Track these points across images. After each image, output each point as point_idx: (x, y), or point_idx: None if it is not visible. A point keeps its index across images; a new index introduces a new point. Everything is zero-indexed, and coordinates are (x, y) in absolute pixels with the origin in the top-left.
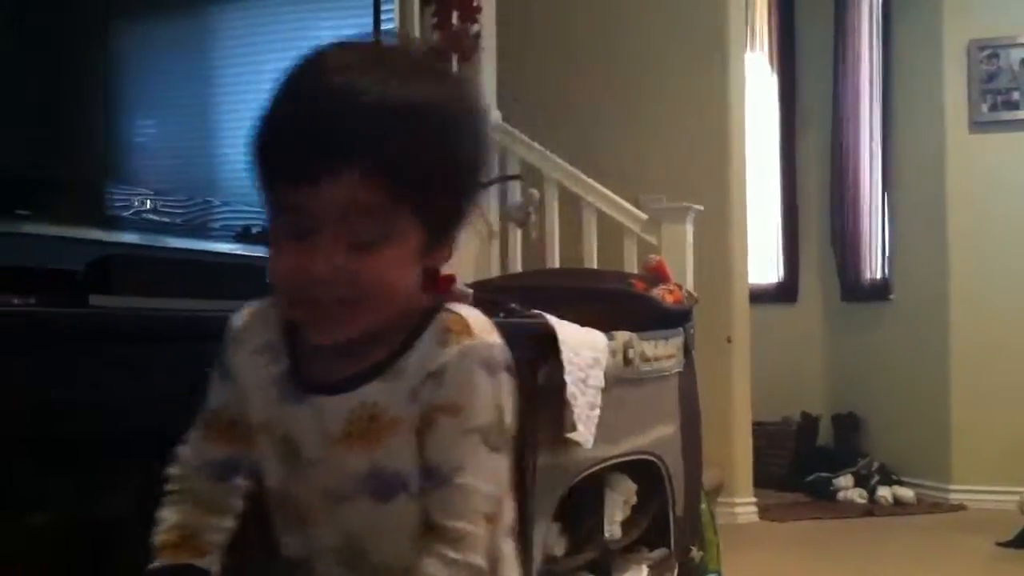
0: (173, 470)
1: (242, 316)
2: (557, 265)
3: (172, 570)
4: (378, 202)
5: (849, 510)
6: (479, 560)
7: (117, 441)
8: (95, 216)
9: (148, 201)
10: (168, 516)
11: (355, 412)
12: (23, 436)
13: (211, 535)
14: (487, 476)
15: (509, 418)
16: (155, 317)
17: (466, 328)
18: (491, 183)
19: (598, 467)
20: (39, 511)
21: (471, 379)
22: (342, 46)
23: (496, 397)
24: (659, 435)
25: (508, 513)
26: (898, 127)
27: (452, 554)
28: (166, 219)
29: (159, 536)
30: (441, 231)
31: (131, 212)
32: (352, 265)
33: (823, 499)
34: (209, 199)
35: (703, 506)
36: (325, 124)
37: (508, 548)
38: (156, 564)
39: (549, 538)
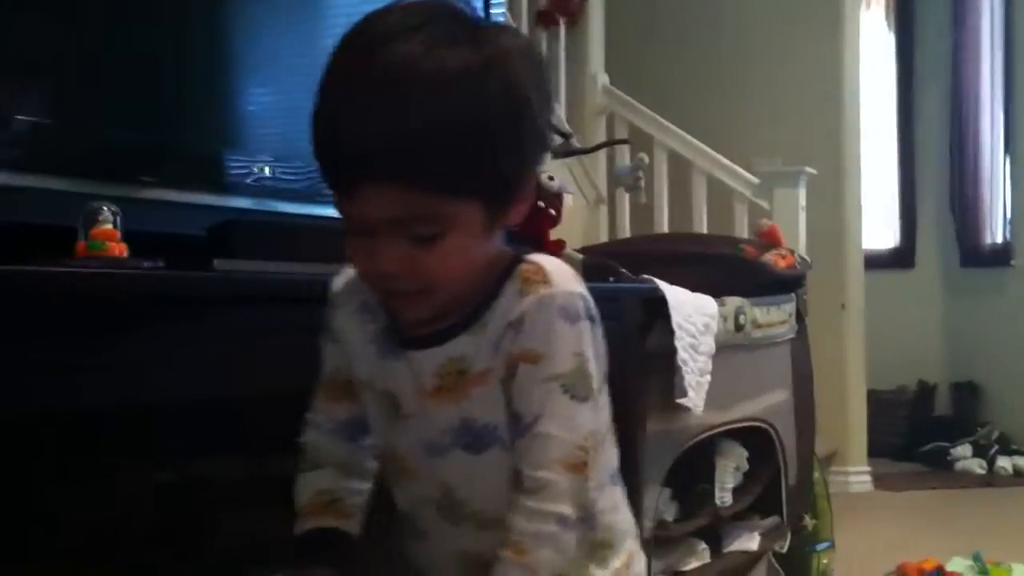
0: (307, 437)
1: (340, 279)
2: (666, 230)
3: (320, 533)
4: (424, 203)
5: (967, 480)
6: (564, 509)
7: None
8: (216, 182)
9: (267, 168)
10: (308, 481)
11: (444, 367)
12: (156, 396)
13: (352, 498)
14: (568, 424)
15: (593, 366)
16: (283, 280)
17: (544, 277)
18: (598, 147)
19: (709, 433)
20: (168, 471)
21: (550, 327)
22: (386, 15)
23: (576, 345)
24: (771, 402)
25: (606, 460)
26: (1020, 87)
27: (534, 504)
28: (283, 185)
29: (302, 501)
30: (501, 198)
31: (251, 179)
32: (414, 260)
33: (940, 469)
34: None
35: (816, 474)
36: (361, 139)
37: (613, 495)
38: (302, 528)
39: (660, 504)
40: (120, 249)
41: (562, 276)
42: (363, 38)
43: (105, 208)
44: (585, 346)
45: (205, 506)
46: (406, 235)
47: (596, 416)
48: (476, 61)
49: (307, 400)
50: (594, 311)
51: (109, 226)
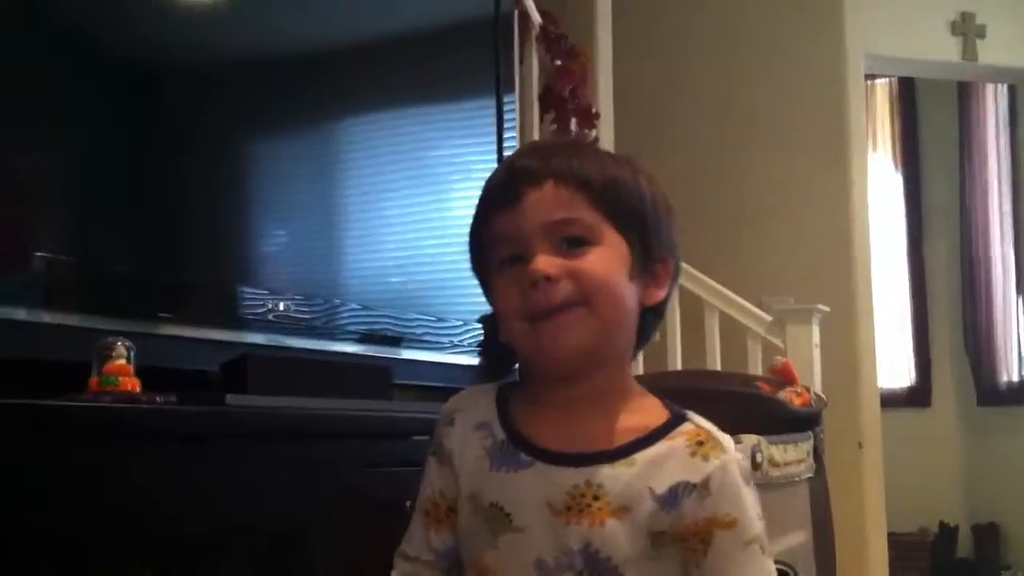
0: (395, 573)
1: (454, 400)
2: (679, 367)
3: None
4: (574, 203)
5: None
6: None
7: (253, 535)
8: (229, 318)
9: (280, 304)
10: None
11: (579, 488)
12: (161, 530)
13: None
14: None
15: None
16: (294, 415)
17: (720, 442)
18: None
19: None
20: None
21: (739, 493)
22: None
23: (757, 507)
24: (790, 543)
25: None
26: None
27: None
28: (295, 321)
29: None
30: (644, 253)
31: (262, 314)
32: (569, 264)
33: None
34: (335, 301)
35: None
36: (522, 164)
37: None
38: None
39: None
40: (133, 384)
41: (729, 441)
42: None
43: (119, 343)
44: (757, 503)
45: None
46: (560, 239)
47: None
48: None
49: (316, 535)
50: None
51: (123, 361)
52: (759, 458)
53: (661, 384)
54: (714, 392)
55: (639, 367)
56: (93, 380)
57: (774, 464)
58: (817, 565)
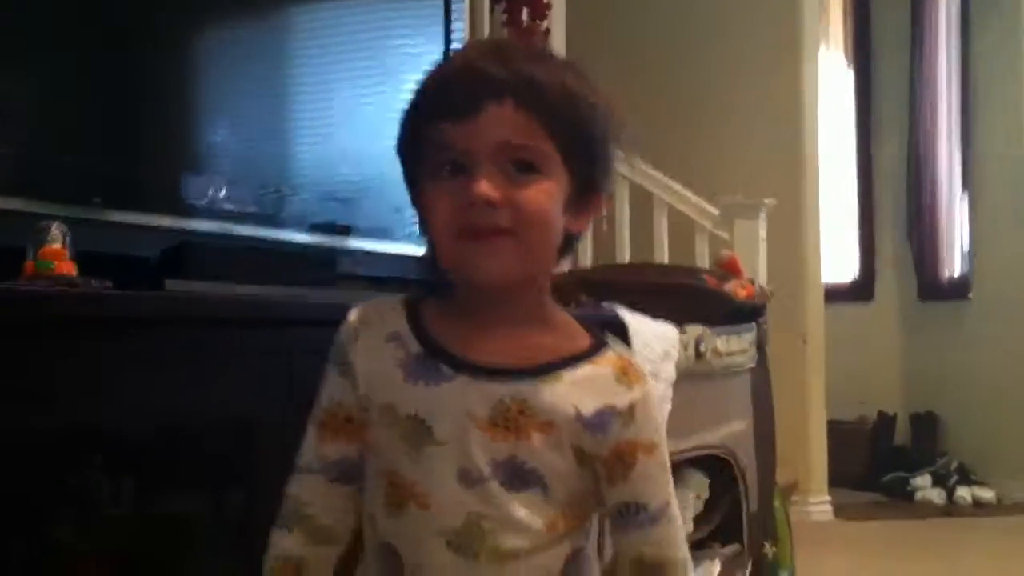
0: (290, 488)
1: (358, 312)
2: (627, 260)
3: None
4: (531, 129)
5: (927, 510)
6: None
7: (192, 428)
8: (172, 205)
9: (223, 191)
10: (277, 540)
11: (505, 402)
12: (101, 421)
13: (317, 566)
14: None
15: None
16: (230, 301)
17: (640, 370)
18: None
19: (670, 462)
20: (114, 505)
21: (655, 418)
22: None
23: (664, 428)
24: (731, 430)
25: None
26: (978, 121)
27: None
28: (239, 209)
29: (269, 560)
30: (583, 187)
31: (205, 201)
32: (511, 190)
33: (900, 499)
34: (279, 189)
35: (776, 503)
36: (481, 68)
37: None
38: None
39: None
40: (69, 268)
41: (644, 371)
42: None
43: (54, 227)
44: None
45: (148, 532)
46: (509, 161)
47: None
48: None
49: (261, 423)
50: None
51: (58, 245)
52: (703, 348)
53: (610, 277)
54: (661, 285)
55: (587, 260)
56: (28, 264)
57: (717, 354)
58: (757, 452)
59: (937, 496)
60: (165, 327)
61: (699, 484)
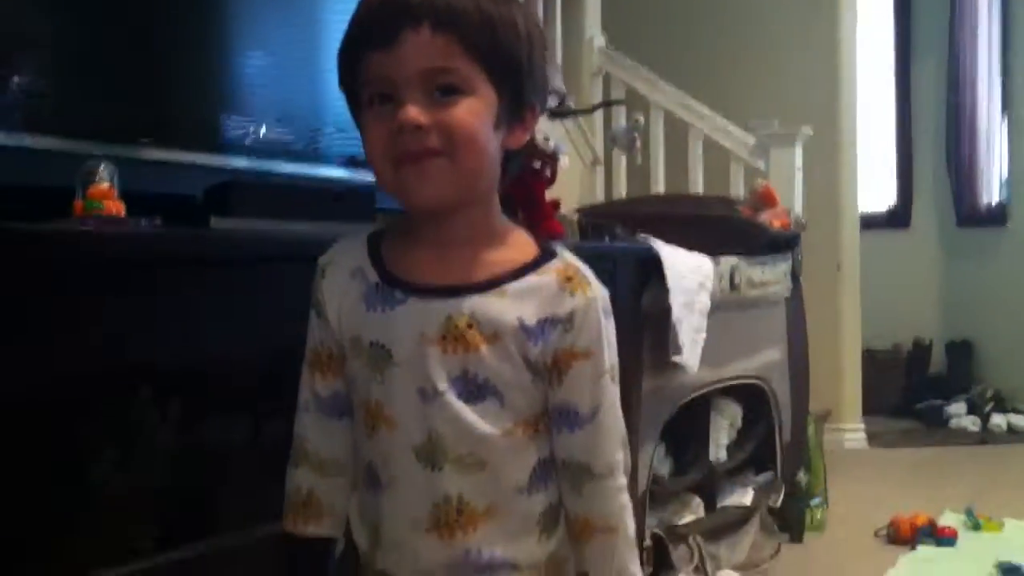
0: (296, 428)
1: (326, 253)
2: (662, 191)
3: (303, 541)
4: (451, 52)
5: (961, 438)
6: (624, 479)
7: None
8: (212, 142)
9: (263, 128)
10: (292, 478)
11: (452, 319)
12: (149, 355)
13: (327, 496)
14: (617, 408)
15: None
16: (274, 238)
17: (585, 279)
18: (594, 108)
19: (704, 391)
20: (161, 436)
21: (599, 327)
22: None
23: (613, 339)
24: (766, 360)
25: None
26: (1018, 47)
27: (609, 484)
28: (280, 146)
29: (287, 499)
30: (513, 103)
31: (248, 139)
32: (438, 113)
33: (935, 427)
34: (317, 126)
35: (810, 431)
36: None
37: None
38: (288, 529)
39: (655, 460)
40: (117, 207)
41: (594, 277)
42: None
43: (102, 167)
44: (614, 336)
45: (193, 461)
46: (433, 87)
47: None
48: None
49: (300, 358)
50: None
51: (106, 185)
52: (737, 279)
53: (644, 209)
54: (694, 216)
55: (622, 191)
56: (78, 204)
57: (751, 285)
58: (791, 381)
59: (972, 424)
60: (211, 264)
61: (733, 413)
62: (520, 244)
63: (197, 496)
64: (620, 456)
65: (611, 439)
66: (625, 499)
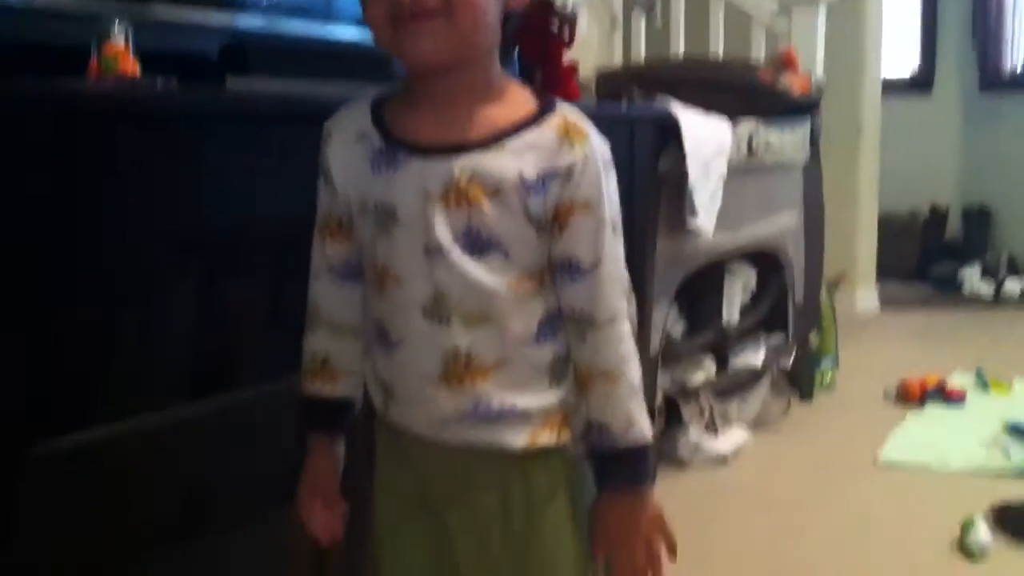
0: (309, 295)
1: (331, 119)
2: (682, 55)
3: (322, 404)
4: None
5: (974, 304)
6: (628, 327)
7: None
8: (229, 1)
9: None
10: (308, 342)
11: (454, 175)
12: (167, 214)
13: (342, 358)
14: (619, 259)
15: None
16: (290, 97)
17: (584, 132)
18: None
19: (718, 254)
20: (180, 294)
21: (599, 178)
22: None
23: (614, 190)
24: (781, 224)
25: None
26: None
27: (612, 332)
28: (295, 4)
29: (303, 363)
30: None
31: None
32: None
33: (949, 292)
34: None
35: (823, 294)
36: None
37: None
38: (306, 392)
39: (669, 321)
40: (132, 66)
41: (593, 129)
42: None
43: (117, 26)
44: (615, 188)
45: (213, 319)
46: None
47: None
48: None
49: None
50: None
51: (121, 43)
52: (755, 143)
53: (663, 73)
54: (714, 80)
55: (640, 55)
56: (93, 63)
57: (769, 149)
58: (806, 245)
59: (985, 289)
60: (227, 123)
61: (747, 276)
62: (519, 100)
63: (218, 351)
64: (623, 306)
65: (613, 289)
66: (628, 348)
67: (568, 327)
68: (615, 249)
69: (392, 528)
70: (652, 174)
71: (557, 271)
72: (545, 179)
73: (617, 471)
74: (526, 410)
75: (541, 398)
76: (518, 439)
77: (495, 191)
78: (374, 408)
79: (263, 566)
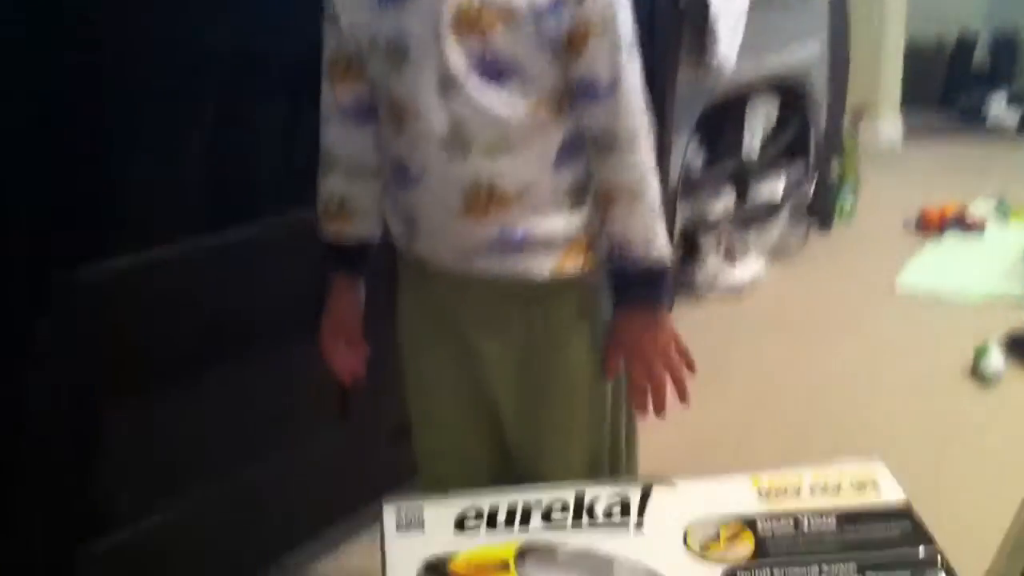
0: (322, 140)
1: None
2: None
3: (340, 245)
4: None
5: (998, 135)
6: (648, 145)
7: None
8: None
9: None
10: (324, 186)
11: (464, 3)
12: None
13: (359, 198)
14: (636, 78)
15: None
16: None
17: None
18: None
19: (741, 85)
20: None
21: (612, 3)
22: None
23: (626, 10)
24: (804, 53)
25: None
26: None
27: (631, 154)
28: None
29: (319, 206)
30: None
31: None
32: None
33: (973, 121)
34: None
35: (845, 122)
36: None
37: None
38: (325, 234)
39: (689, 151)
40: None
41: None
42: None
43: None
44: (629, 11)
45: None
46: None
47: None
48: None
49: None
50: None
51: None
52: None
53: None
54: None
55: None
56: None
57: None
58: (831, 73)
59: (1010, 118)
60: None
61: (768, 107)
62: None
63: (237, 180)
64: (643, 124)
65: (632, 109)
66: (649, 167)
67: (590, 149)
68: (633, 74)
69: (416, 344)
70: (674, 4)
71: (576, 94)
72: (557, 3)
73: (636, 289)
74: (550, 237)
75: (564, 224)
76: (544, 267)
77: (508, 15)
78: (395, 245)
79: (289, 395)
